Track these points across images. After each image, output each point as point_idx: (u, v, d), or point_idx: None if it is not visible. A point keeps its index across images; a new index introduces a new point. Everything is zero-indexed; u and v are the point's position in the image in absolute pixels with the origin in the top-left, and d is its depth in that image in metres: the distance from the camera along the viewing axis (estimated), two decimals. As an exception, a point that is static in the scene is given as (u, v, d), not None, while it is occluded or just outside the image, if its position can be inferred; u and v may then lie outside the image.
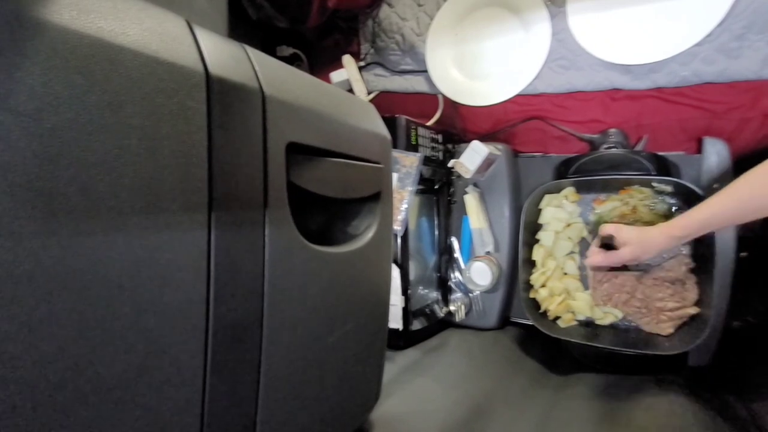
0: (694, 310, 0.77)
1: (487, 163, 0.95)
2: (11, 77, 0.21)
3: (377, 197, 0.52)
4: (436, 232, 1.01)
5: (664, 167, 0.84)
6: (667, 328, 0.79)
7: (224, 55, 0.33)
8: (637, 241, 0.71)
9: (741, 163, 0.80)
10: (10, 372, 0.22)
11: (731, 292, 0.76)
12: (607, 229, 0.76)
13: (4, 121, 0.21)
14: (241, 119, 0.33)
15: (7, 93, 0.21)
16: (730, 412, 0.63)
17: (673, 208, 0.83)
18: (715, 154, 0.82)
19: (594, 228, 0.89)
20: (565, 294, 0.89)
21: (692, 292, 0.78)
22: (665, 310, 0.79)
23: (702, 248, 0.78)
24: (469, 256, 1.00)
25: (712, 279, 0.74)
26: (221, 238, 0.32)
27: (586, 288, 0.89)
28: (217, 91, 0.31)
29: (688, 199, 0.80)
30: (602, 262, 0.76)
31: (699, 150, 0.86)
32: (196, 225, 0.30)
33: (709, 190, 0.80)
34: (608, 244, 0.76)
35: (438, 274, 1.01)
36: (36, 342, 0.23)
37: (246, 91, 0.34)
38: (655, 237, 0.70)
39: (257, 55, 0.37)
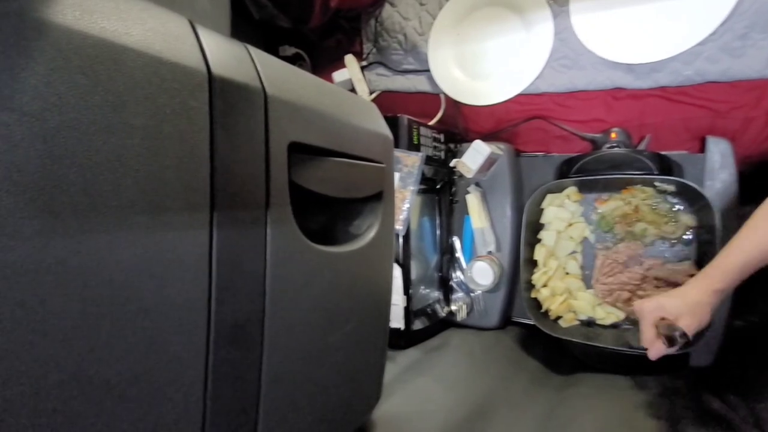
0: (696, 310, 0.77)
1: (489, 162, 0.95)
2: (15, 77, 0.21)
3: (379, 197, 0.52)
4: (438, 232, 1.01)
5: (666, 167, 0.84)
6: (668, 328, 0.79)
7: (227, 55, 0.33)
8: (688, 311, 0.62)
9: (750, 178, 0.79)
10: (13, 371, 0.22)
11: (734, 291, 0.76)
12: (651, 314, 0.64)
13: (8, 121, 0.21)
14: (244, 119, 0.33)
15: (11, 93, 0.21)
16: (732, 413, 0.63)
17: (675, 207, 0.83)
18: (719, 153, 0.82)
19: (597, 228, 0.89)
20: (567, 294, 0.89)
21: (695, 292, 0.78)
22: (668, 309, 0.79)
23: (705, 248, 0.78)
24: (471, 255, 1.00)
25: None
26: (223, 238, 0.32)
27: (588, 288, 0.89)
28: (220, 91, 0.31)
29: (691, 198, 0.80)
30: (668, 350, 0.63)
31: (702, 149, 0.85)
32: (198, 224, 0.30)
33: (714, 190, 0.80)
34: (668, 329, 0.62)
35: (440, 274, 1.01)
36: (38, 341, 0.23)
37: (248, 91, 0.34)
38: (701, 299, 0.61)
39: (260, 55, 0.37)
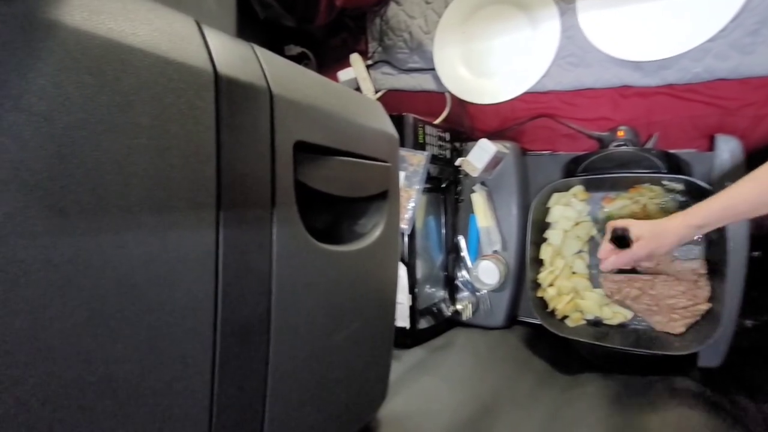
0: (706, 306, 0.76)
1: (495, 161, 0.95)
2: (24, 78, 0.22)
3: (384, 196, 0.52)
4: (443, 231, 1.01)
5: (675, 165, 0.83)
6: (678, 327, 0.78)
7: (233, 55, 0.33)
8: (650, 235, 0.66)
9: (754, 162, 0.79)
10: (23, 368, 0.22)
11: (744, 291, 0.75)
12: (616, 224, 0.71)
13: (17, 121, 0.21)
14: (249, 118, 0.34)
15: (20, 93, 0.22)
16: (741, 414, 0.63)
17: (684, 207, 0.82)
18: (728, 151, 0.81)
19: (603, 226, 0.89)
20: (574, 293, 0.89)
21: (704, 290, 0.77)
22: (677, 308, 0.79)
23: (714, 248, 0.77)
24: (477, 254, 1.00)
25: (724, 278, 0.73)
26: (229, 237, 0.32)
27: (595, 287, 0.89)
28: (226, 91, 0.31)
29: (700, 197, 0.79)
30: (615, 262, 0.70)
31: (711, 147, 0.84)
32: (204, 224, 0.31)
33: (721, 187, 0.79)
34: (621, 240, 0.69)
35: (445, 273, 1.01)
36: (48, 339, 0.23)
37: (254, 91, 0.34)
38: (671, 228, 0.65)
39: (265, 55, 0.37)
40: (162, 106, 0.28)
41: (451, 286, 1.01)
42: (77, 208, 0.24)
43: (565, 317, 0.88)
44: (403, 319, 0.86)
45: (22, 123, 0.22)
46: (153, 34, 0.28)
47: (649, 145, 0.91)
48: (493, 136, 1.02)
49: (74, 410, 0.24)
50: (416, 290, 0.88)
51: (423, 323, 0.90)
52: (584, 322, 0.88)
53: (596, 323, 0.88)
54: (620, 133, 0.91)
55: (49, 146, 0.22)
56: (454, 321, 1.00)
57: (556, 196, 0.92)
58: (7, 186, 0.21)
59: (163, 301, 0.28)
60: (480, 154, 0.93)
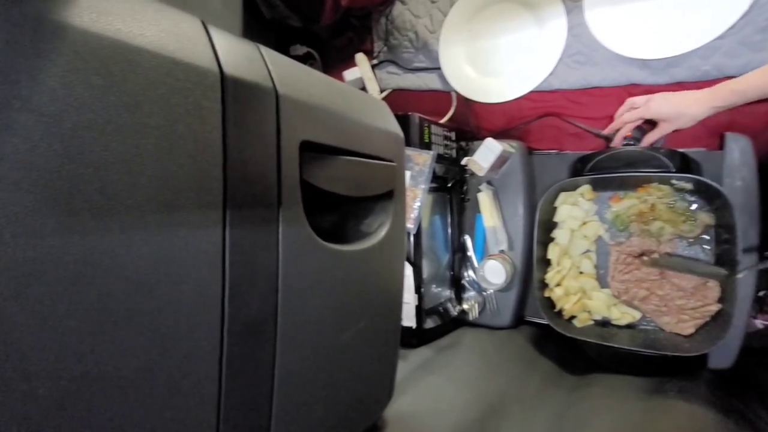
0: (716, 307, 0.75)
1: (501, 160, 0.94)
2: (34, 79, 0.22)
3: (390, 195, 0.52)
4: (450, 231, 1.01)
5: (684, 164, 0.82)
6: (688, 328, 0.77)
7: (238, 55, 0.33)
8: (672, 116, 0.70)
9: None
10: (32, 366, 0.23)
11: (756, 291, 0.74)
12: (635, 103, 0.73)
13: (27, 122, 0.22)
14: (255, 118, 0.34)
15: (30, 94, 0.22)
16: (752, 416, 0.62)
17: (692, 206, 0.81)
18: (738, 150, 0.80)
19: (612, 226, 0.88)
20: (581, 293, 0.88)
21: (714, 291, 0.76)
22: (686, 308, 0.78)
23: (724, 248, 0.77)
24: (483, 254, 0.99)
25: (735, 278, 0.72)
26: (236, 236, 0.32)
27: (603, 287, 0.88)
28: (232, 91, 0.32)
29: (710, 197, 0.78)
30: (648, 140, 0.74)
31: (721, 146, 0.83)
32: (211, 223, 0.31)
33: (730, 187, 0.78)
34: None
35: (451, 273, 1.01)
36: (57, 337, 0.23)
37: (260, 91, 0.34)
38: (695, 112, 0.67)
39: (271, 55, 0.37)
40: (169, 107, 0.28)
41: (457, 286, 1.01)
42: (86, 208, 0.24)
43: (573, 317, 0.88)
44: (409, 319, 0.86)
45: (31, 123, 0.22)
46: (160, 35, 0.28)
47: (658, 143, 0.90)
48: (499, 135, 1.02)
49: (82, 408, 0.25)
50: (422, 290, 0.88)
51: (429, 323, 0.90)
52: (592, 322, 0.87)
53: (604, 323, 0.87)
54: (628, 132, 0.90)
55: (58, 146, 0.23)
56: (461, 321, 1.00)
57: (563, 195, 0.92)
58: (17, 186, 0.21)
59: (171, 300, 0.28)
60: (486, 154, 0.93)
